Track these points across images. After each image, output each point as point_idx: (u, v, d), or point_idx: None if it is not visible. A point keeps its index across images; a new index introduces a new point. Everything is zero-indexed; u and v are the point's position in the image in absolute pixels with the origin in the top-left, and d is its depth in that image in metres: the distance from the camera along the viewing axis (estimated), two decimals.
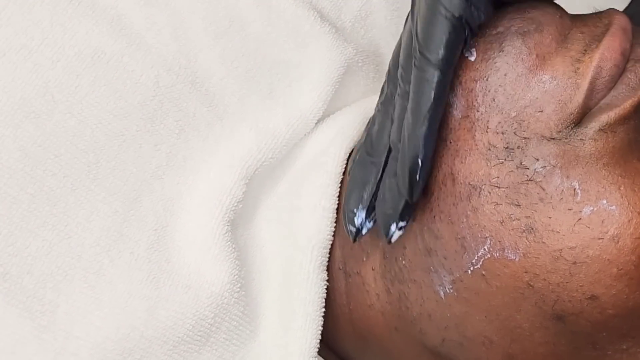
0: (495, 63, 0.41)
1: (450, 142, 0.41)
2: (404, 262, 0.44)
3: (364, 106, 0.51)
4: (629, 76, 0.41)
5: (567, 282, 0.39)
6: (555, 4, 0.43)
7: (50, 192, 0.44)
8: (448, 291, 0.42)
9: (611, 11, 0.43)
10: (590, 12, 0.45)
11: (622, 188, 0.39)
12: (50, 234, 0.43)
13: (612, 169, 0.39)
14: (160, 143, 0.47)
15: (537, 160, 0.40)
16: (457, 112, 0.41)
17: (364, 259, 0.46)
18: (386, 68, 0.54)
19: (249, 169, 0.47)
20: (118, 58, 0.47)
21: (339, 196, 0.48)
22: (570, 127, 0.40)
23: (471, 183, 0.41)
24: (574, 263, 0.39)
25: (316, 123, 0.51)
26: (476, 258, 0.41)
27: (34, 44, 0.46)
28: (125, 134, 0.46)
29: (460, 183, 0.41)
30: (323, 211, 0.47)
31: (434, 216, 0.42)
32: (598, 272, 0.39)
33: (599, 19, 0.42)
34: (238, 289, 0.45)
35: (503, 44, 0.41)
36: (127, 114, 0.46)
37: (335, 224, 0.48)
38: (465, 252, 0.41)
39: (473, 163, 0.41)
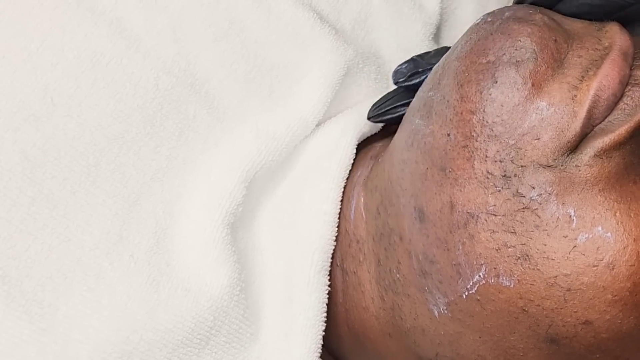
0: (490, 94, 0.41)
1: (450, 171, 0.41)
2: (398, 275, 0.44)
3: (366, 108, 0.51)
4: (626, 101, 0.40)
5: (561, 308, 0.39)
6: (550, 23, 0.42)
7: (49, 194, 0.44)
8: (442, 311, 0.42)
9: (614, 30, 0.42)
10: None
11: (617, 214, 0.39)
12: (49, 237, 0.43)
13: (608, 195, 0.39)
14: (160, 146, 0.47)
15: (533, 188, 0.40)
16: (455, 142, 0.41)
17: (361, 259, 0.46)
18: (387, 69, 0.54)
19: (249, 172, 0.47)
20: (117, 61, 0.47)
21: (341, 201, 0.48)
22: (566, 154, 0.40)
23: (469, 211, 0.41)
24: (569, 290, 0.39)
25: (317, 125, 0.50)
26: (471, 284, 0.41)
27: (33, 46, 0.46)
28: (125, 136, 0.46)
29: (459, 211, 0.41)
30: (325, 215, 0.47)
31: (430, 242, 0.42)
32: (592, 298, 0.39)
33: (599, 41, 0.42)
34: (238, 292, 0.45)
35: (496, 75, 0.41)
36: (127, 116, 0.46)
37: (337, 230, 0.48)
38: (460, 278, 0.41)
39: (471, 191, 0.41)
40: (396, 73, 0.49)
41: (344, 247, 0.47)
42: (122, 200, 0.45)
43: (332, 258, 0.48)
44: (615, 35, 0.42)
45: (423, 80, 0.46)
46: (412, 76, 0.49)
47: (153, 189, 0.46)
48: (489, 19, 0.43)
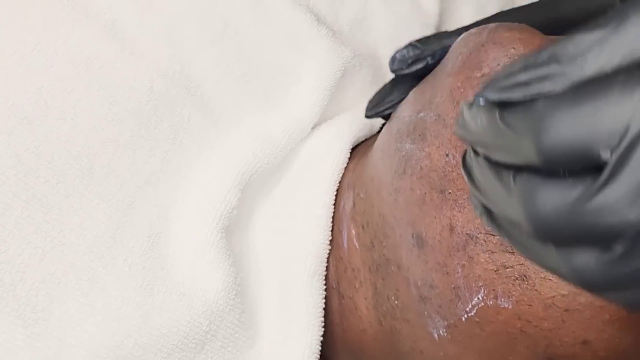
0: None
1: (449, 193, 0.41)
2: (396, 302, 0.43)
3: (361, 111, 0.50)
4: None
5: (559, 329, 0.39)
6: (538, 32, 0.42)
7: (43, 198, 0.43)
8: (441, 334, 0.42)
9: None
10: None
11: None
12: (43, 241, 0.43)
13: None
14: (155, 149, 0.46)
15: None
16: (455, 162, 0.41)
17: (357, 286, 0.46)
18: (384, 71, 0.54)
19: (244, 175, 0.47)
20: (112, 63, 0.46)
21: (334, 204, 0.47)
22: None
23: (468, 232, 0.40)
24: (566, 310, 0.38)
25: (313, 128, 0.50)
26: (470, 306, 0.40)
27: (27, 49, 0.45)
28: (119, 139, 0.46)
29: (458, 233, 0.40)
30: (317, 220, 0.47)
31: (430, 268, 0.41)
32: (590, 318, 0.38)
33: None
34: (233, 296, 0.45)
35: None
36: (121, 119, 0.46)
37: (330, 235, 0.47)
38: (459, 301, 0.41)
39: (471, 211, 0.40)
40: (395, 61, 0.46)
41: (339, 271, 0.47)
42: (116, 204, 0.45)
43: (328, 279, 0.47)
44: None
45: (428, 66, 0.45)
46: (413, 63, 0.46)
47: (147, 192, 0.46)
48: (475, 32, 0.43)
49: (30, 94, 0.44)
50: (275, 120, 0.49)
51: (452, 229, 0.40)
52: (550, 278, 0.39)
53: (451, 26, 0.60)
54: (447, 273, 0.41)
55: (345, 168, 0.49)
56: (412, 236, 0.42)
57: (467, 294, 0.40)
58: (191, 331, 0.44)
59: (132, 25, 0.47)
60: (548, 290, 0.38)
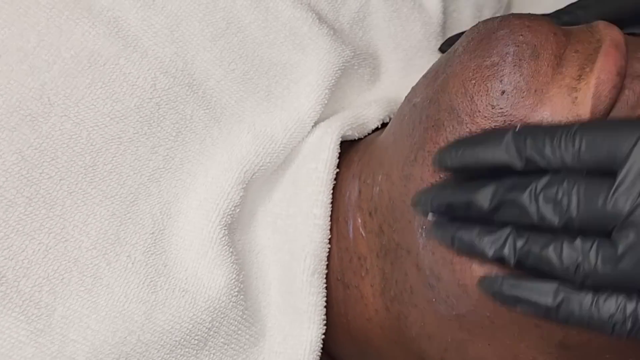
0: (500, 106, 0.40)
1: None
2: (405, 286, 0.43)
3: (355, 108, 0.51)
4: (627, 94, 0.40)
5: None
6: (548, 18, 0.42)
7: (46, 195, 0.44)
8: (450, 321, 0.42)
9: (601, 25, 0.42)
10: None
11: None
12: (46, 237, 0.43)
13: None
14: (158, 146, 0.47)
15: None
16: None
17: (363, 275, 0.46)
18: (383, 70, 0.54)
19: (247, 173, 0.47)
20: (115, 61, 0.46)
21: (332, 203, 0.48)
22: None
23: None
24: None
25: (313, 126, 0.50)
26: (480, 303, 0.40)
27: (30, 46, 0.45)
28: (122, 136, 0.46)
29: None
30: (315, 219, 0.47)
31: (436, 260, 0.41)
32: None
33: (591, 34, 0.42)
34: (236, 293, 0.45)
35: (503, 81, 0.41)
36: (124, 116, 0.46)
37: (330, 232, 0.47)
38: (468, 297, 0.40)
39: None
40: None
41: (344, 262, 0.47)
42: (120, 201, 0.45)
43: (332, 271, 0.47)
44: (604, 29, 0.42)
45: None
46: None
47: (150, 189, 0.46)
48: (484, 21, 0.43)
49: (34, 91, 0.45)
50: (277, 118, 0.49)
51: None
52: None
53: (451, 25, 0.60)
54: (454, 270, 0.41)
55: (351, 160, 0.49)
56: (421, 226, 0.42)
57: (474, 292, 0.40)
58: (194, 328, 0.44)
59: (135, 23, 0.48)
60: None
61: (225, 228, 0.46)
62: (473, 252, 0.39)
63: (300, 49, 0.51)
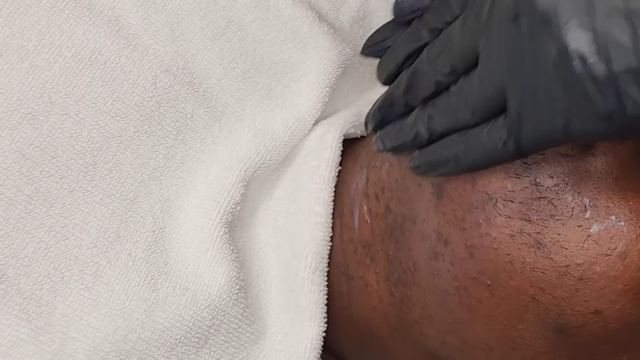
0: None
1: None
2: (408, 264, 0.44)
3: (357, 107, 0.51)
4: None
5: (571, 297, 0.39)
6: None
7: (47, 193, 0.44)
8: (451, 297, 0.42)
9: None
10: None
11: (631, 202, 0.39)
12: (47, 236, 0.43)
13: (622, 183, 0.39)
14: (158, 144, 0.47)
15: (552, 177, 0.39)
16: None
17: (368, 263, 0.46)
18: None
19: (248, 171, 0.47)
20: (115, 59, 0.47)
21: (336, 197, 0.48)
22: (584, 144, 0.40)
23: (488, 192, 0.40)
24: (580, 279, 0.39)
25: (314, 124, 0.50)
26: (483, 267, 0.40)
27: (31, 45, 0.45)
28: (123, 135, 0.46)
29: (479, 190, 0.41)
30: (317, 217, 0.47)
31: (447, 220, 0.42)
32: (603, 288, 0.38)
33: None
34: (237, 291, 0.45)
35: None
36: (125, 115, 0.46)
37: (332, 228, 0.47)
38: (472, 260, 0.41)
39: (493, 173, 0.40)
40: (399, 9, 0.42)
41: (348, 254, 0.47)
42: (120, 199, 0.45)
43: (336, 265, 0.48)
44: None
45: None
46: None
47: (151, 187, 0.46)
48: None
49: (35, 89, 0.45)
50: (278, 116, 0.49)
51: (474, 184, 0.41)
52: (566, 247, 0.39)
53: None
54: (464, 229, 0.41)
55: (358, 154, 0.49)
56: (432, 186, 0.42)
57: (481, 254, 0.40)
58: (194, 325, 0.44)
59: (136, 21, 0.48)
60: (563, 259, 0.39)
61: (226, 226, 0.46)
62: (399, 146, 0.41)
63: (300, 48, 0.51)
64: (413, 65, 0.40)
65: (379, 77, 0.44)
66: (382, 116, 0.42)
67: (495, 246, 0.40)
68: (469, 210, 0.41)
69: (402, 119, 0.41)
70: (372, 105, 0.44)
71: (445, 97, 0.38)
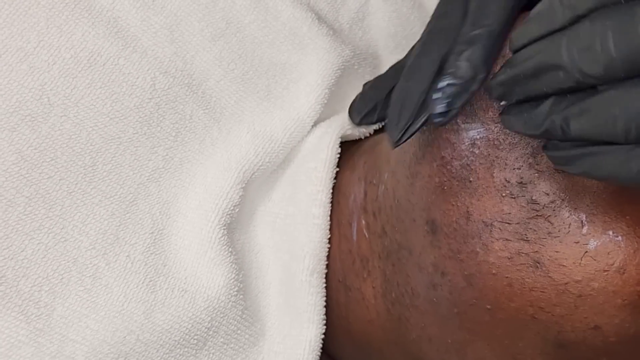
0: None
1: (471, 182, 0.40)
2: (406, 288, 0.43)
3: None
4: None
5: (571, 314, 0.39)
6: None
7: (46, 195, 0.44)
8: (451, 320, 0.42)
9: None
10: None
11: (628, 217, 0.38)
12: (46, 237, 0.43)
13: (619, 198, 0.39)
14: (157, 146, 0.47)
15: (547, 194, 0.39)
16: (478, 151, 0.41)
17: (365, 276, 0.46)
18: (383, 69, 0.54)
19: (246, 173, 0.47)
20: (114, 61, 0.47)
21: (335, 206, 0.48)
22: None
23: (484, 220, 0.40)
24: (579, 296, 0.38)
25: (312, 126, 0.50)
26: (482, 294, 0.40)
27: (30, 46, 0.45)
28: (122, 136, 0.46)
29: (474, 221, 0.40)
30: (314, 219, 0.47)
31: (443, 254, 0.41)
32: (602, 303, 0.38)
33: None
34: (235, 293, 0.45)
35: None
36: (124, 116, 0.46)
37: (332, 234, 0.47)
38: (471, 288, 0.40)
39: (488, 200, 0.40)
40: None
41: (346, 264, 0.47)
42: (119, 201, 0.45)
43: (334, 273, 0.47)
44: None
45: None
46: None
47: (150, 189, 0.46)
48: None
49: (33, 91, 0.45)
50: (277, 118, 0.49)
51: (468, 216, 0.40)
52: (565, 264, 0.39)
53: None
54: (461, 260, 0.40)
55: (355, 163, 0.49)
56: (427, 223, 0.42)
57: (479, 281, 0.40)
58: (193, 327, 0.44)
59: (135, 23, 0.48)
60: (562, 277, 0.38)
61: (225, 228, 0.46)
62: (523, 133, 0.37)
63: (299, 49, 0.51)
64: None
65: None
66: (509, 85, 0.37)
67: (494, 271, 0.40)
68: (464, 241, 0.40)
69: (528, 104, 0.37)
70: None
71: (593, 100, 0.33)
